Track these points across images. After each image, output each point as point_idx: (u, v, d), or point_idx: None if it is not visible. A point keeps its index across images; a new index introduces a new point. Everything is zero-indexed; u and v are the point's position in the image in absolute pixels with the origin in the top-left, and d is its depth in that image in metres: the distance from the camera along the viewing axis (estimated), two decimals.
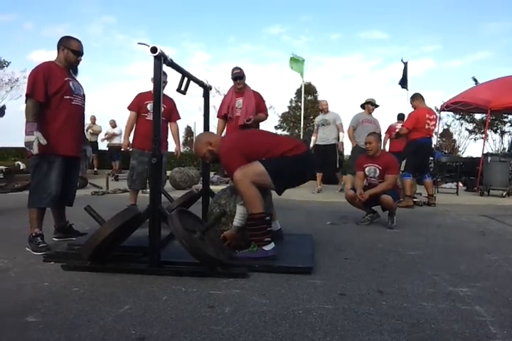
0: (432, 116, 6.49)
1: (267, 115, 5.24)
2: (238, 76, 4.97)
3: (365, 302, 2.22)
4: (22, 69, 17.80)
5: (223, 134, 5.22)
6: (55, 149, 3.15)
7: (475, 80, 14.54)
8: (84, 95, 3.47)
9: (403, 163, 6.29)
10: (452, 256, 3.25)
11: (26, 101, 3.12)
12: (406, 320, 2.00)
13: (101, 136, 12.27)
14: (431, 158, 7.84)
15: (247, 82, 5.08)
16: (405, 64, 11.30)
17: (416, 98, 6.70)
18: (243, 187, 2.84)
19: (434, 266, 2.96)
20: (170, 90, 5.95)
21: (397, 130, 7.51)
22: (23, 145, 3.13)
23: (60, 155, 3.23)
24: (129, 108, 5.14)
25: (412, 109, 6.71)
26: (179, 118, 5.44)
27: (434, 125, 6.77)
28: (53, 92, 3.17)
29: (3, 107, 5.34)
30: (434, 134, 6.96)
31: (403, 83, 11.29)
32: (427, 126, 6.42)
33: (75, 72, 3.43)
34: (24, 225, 3.40)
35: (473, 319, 2.02)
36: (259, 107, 5.09)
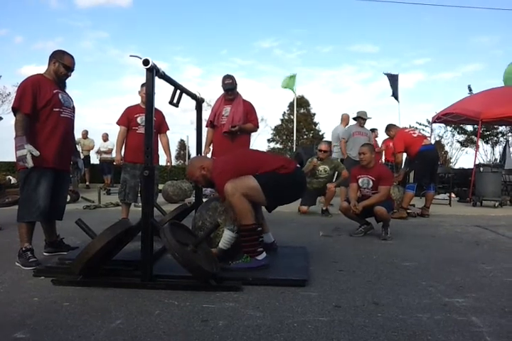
0: (411, 129, 6.72)
1: (256, 126, 5.02)
2: (230, 88, 4.82)
3: (360, 314, 2.20)
4: (14, 84, 17.70)
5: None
6: (43, 162, 3.10)
7: (470, 89, 14.64)
8: (73, 107, 3.45)
9: (411, 174, 6.36)
10: (447, 267, 3.23)
11: (15, 115, 3.10)
12: (402, 331, 1.97)
13: (94, 150, 12.25)
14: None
15: (239, 90, 4.94)
16: (395, 76, 11.48)
17: (391, 127, 6.95)
18: (234, 200, 2.83)
19: (429, 277, 2.95)
20: (157, 102, 5.96)
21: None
22: (13, 160, 3.10)
23: (49, 168, 3.19)
24: (118, 123, 5.11)
25: (392, 139, 6.97)
26: (168, 129, 5.44)
27: (419, 133, 7.09)
28: (42, 105, 3.14)
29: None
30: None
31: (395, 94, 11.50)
32: (415, 135, 6.55)
33: (64, 85, 3.41)
34: (14, 239, 3.36)
35: (469, 330, 2.00)
36: (249, 117, 4.90)
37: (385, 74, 11.84)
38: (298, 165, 3.27)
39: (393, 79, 11.69)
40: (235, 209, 2.87)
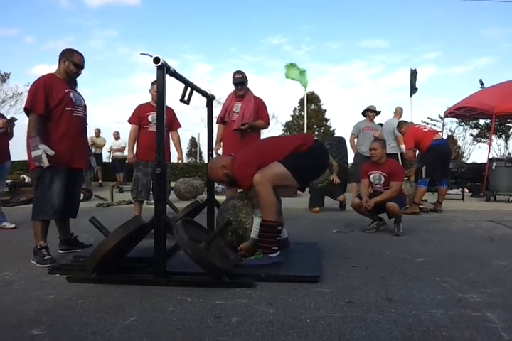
0: (421, 125, 6.74)
1: (267, 122, 4.99)
2: (240, 81, 4.83)
3: (373, 310, 2.19)
4: (25, 84, 17.87)
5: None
6: (57, 161, 3.13)
7: (481, 83, 14.44)
8: (85, 106, 3.48)
9: (423, 169, 6.32)
10: (460, 262, 3.21)
11: (28, 115, 3.13)
12: (416, 327, 1.96)
13: (106, 148, 12.34)
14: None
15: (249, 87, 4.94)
16: (414, 71, 11.32)
17: (402, 124, 6.90)
18: (262, 192, 2.82)
19: (442, 272, 2.93)
20: (168, 99, 5.96)
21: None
22: (27, 159, 3.14)
23: (63, 167, 3.22)
24: (130, 121, 5.11)
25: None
26: (180, 126, 5.41)
27: (431, 128, 7.15)
28: (55, 104, 3.17)
29: (12, 119, 5.34)
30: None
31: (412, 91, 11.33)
32: (425, 130, 6.52)
33: (74, 84, 3.44)
34: (29, 238, 3.40)
35: (484, 325, 1.98)
36: (260, 113, 4.89)
37: (411, 70, 11.57)
38: (316, 138, 3.24)
39: (413, 75, 11.51)
40: (261, 200, 2.87)
